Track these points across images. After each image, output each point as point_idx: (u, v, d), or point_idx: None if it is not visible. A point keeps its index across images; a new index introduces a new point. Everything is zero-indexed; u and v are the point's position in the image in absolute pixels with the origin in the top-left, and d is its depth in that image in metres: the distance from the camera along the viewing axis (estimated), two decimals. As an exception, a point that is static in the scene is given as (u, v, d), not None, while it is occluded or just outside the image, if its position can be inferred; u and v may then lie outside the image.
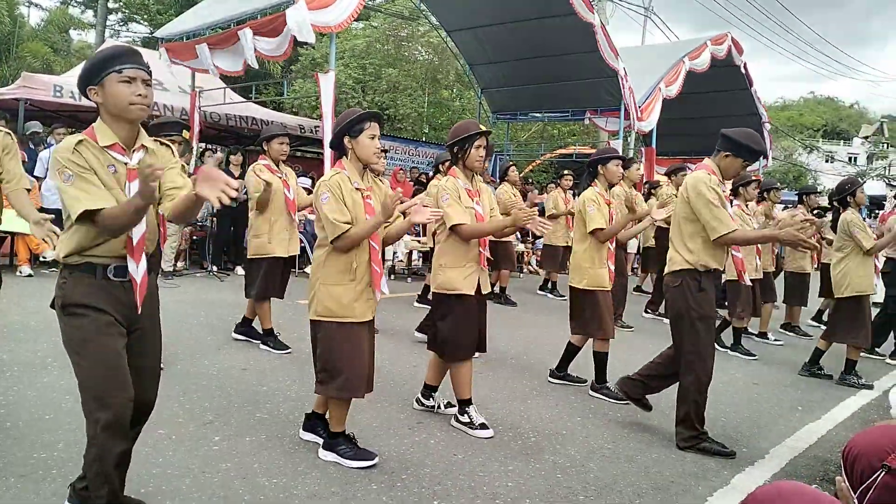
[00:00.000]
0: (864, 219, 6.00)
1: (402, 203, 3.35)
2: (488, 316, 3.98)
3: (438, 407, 4.14)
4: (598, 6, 13.40)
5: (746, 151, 3.77)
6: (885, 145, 50.43)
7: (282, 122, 12.35)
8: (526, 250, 12.50)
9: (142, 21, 23.82)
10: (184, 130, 4.92)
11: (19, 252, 7.87)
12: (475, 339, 3.83)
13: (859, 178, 7.23)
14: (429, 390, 4.16)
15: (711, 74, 13.80)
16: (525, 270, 12.31)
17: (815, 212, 8.41)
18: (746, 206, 6.45)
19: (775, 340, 7.43)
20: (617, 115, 12.65)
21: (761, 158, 17.25)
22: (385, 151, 5.36)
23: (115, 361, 2.31)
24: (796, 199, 8.42)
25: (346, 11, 8.62)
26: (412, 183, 12.32)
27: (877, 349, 6.96)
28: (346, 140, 3.25)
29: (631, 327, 7.37)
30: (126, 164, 2.35)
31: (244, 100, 13.23)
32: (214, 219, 9.35)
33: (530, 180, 14.95)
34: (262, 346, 5.33)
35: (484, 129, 3.84)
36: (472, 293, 3.79)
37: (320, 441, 3.42)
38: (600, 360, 4.78)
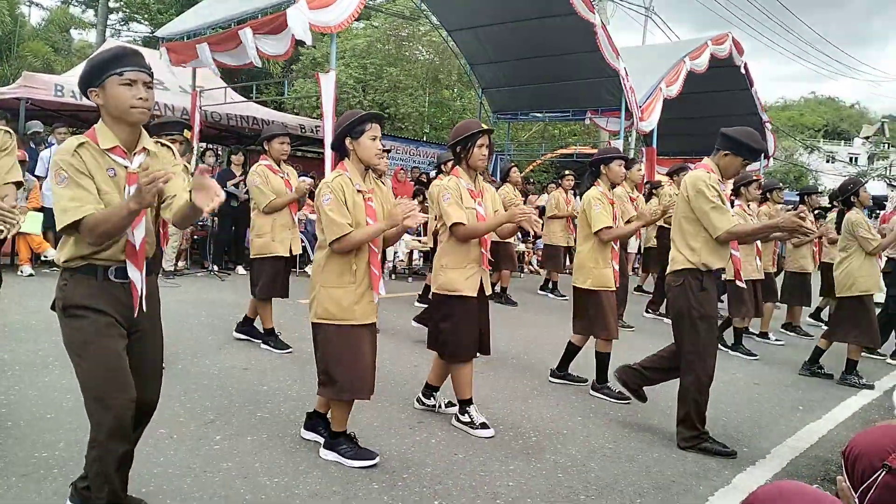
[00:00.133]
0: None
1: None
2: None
3: (439, 406, 4.14)
4: (599, 6, 13.41)
5: (746, 150, 3.77)
6: (886, 145, 50.36)
7: (282, 121, 12.36)
8: (527, 250, 12.50)
9: (142, 20, 23.84)
10: (185, 130, 4.93)
11: (20, 251, 7.87)
12: (476, 341, 3.82)
13: (860, 179, 7.22)
14: (430, 389, 4.16)
15: (712, 75, 13.79)
16: (526, 270, 12.32)
17: (816, 212, 8.42)
18: (748, 206, 6.45)
19: (776, 340, 7.43)
20: (618, 115, 12.66)
21: (762, 158, 17.21)
22: (387, 151, 5.37)
23: (116, 363, 2.31)
24: (798, 199, 8.41)
25: (347, 11, 8.62)
26: (413, 182, 12.34)
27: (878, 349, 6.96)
28: (347, 141, 3.25)
29: (632, 327, 7.37)
30: (126, 167, 2.35)
31: (245, 99, 13.24)
32: (215, 218, 9.35)
33: (531, 180, 14.95)
34: (263, 346, 5.33)
35: (486, 127, 3.84)
36: (475, 294, 3.79)
37: (321, 440, 3.42)
38: (602, 360, 4.78)
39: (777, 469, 3.71)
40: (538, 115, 15.64)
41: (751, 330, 7.21)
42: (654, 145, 13.53)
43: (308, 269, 7.79)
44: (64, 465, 2.95)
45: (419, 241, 10.09)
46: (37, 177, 8.39)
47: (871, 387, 5.68)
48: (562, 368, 5.04)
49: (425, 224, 10.15)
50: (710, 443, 3.82)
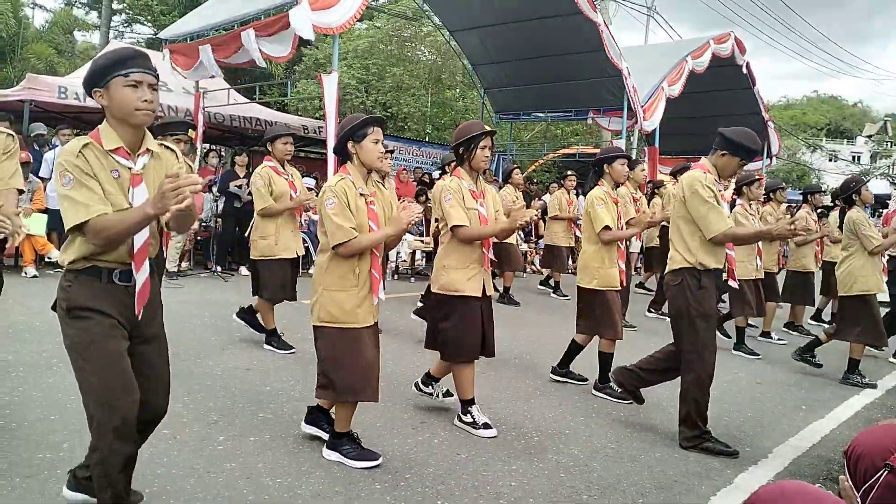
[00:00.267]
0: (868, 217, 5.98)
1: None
2: (491, 315, 3.98)
3: (437, 396, 4.16)
4: (601, 6, 13.40)
5: (743, 150, 3.77)
6: (889, 144, 50.18)
7: (285, 122, 12.38)
8: (529, 250, 12.50)
9: (146, 22, 23.90)
10: (189, 129, 4.93)
11: (24, 253, 7.90)
12: (478, 341, 3.82)
13: (862, 177, 7.20)
14: (430, 379, 4.18)
15: (714, 74, 13.78)
16: (528, 270, 12.31)
17: (820, 211, 8.39)
18: (750, 205, 6.44)
19: (779, 340, 7.42)
20: (620, 115, 12.66)
21: (766, 157, 17.15)
22: (391, 152, 5.38)
23: (120, 364, 2.31)
24: (801, 198, 8.38)
25: (349, 12, 8.64)
26: (415, 183, 12.34)
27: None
28: (349, 145, 3.26)
29: (634, 327, 7.36)
30: (130, 168, 2.34)
31: (248, 100, 13.26)
32: (219, 219, 9.38)
33: (534, 180, 14.95)
34: (266, 346, 5.34)
35: (489, 129, 3.85)
36: (478, 295, 3.79)
37: (322, 434, 3.44)
38: (605, 360, 4.78)
39: (779, 468, 3.71)
40: (540, 115, 15.63)
41: (751, 324, 7.20)
42: (657, 145, 13.53)
43: (311, 270, 7.79)
44: (68, 466, 2.94)
45: (422, 242, 10.10)
46: (41, 178, 8.43)
47: (874, 386, 5.67)
48: (563, 366, 5.05)
49: (427, 224, 10.18)
50: (713, 442, 3.82)
